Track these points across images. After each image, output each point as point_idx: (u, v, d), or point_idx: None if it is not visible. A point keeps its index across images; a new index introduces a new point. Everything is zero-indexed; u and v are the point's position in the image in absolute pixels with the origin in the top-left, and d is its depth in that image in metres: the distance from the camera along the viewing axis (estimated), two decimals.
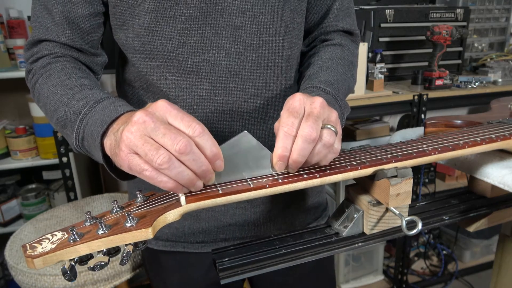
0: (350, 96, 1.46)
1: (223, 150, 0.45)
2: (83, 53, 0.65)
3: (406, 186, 0.53)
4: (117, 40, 0.66)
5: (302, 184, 0.49)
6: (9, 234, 1.23)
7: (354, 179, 0.57)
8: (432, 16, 1.79)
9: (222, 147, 0.46)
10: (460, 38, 1.68)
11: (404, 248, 1.86)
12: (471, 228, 0.70)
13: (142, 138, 0.42)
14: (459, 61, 1.93)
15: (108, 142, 0.49)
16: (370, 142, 1.80)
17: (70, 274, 0.41)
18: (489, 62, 1.97)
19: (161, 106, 0.44)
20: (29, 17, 1.66)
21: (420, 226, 0.52)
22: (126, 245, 0.43)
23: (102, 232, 0.41)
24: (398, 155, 0.55)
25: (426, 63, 1.74)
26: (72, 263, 0.41)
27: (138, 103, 0.70)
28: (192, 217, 0.73)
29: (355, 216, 0.57)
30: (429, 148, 0.57)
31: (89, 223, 0.43)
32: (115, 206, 0.46)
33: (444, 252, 2.18)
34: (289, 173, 0.50)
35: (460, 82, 1.75)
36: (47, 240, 0.42)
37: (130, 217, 0.43)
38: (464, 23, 1.86)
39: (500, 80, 1.82)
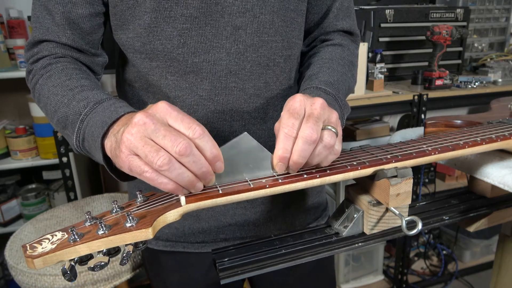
0: (350, 96, 1.46)
1: (223, 152, 0.45)
2: (83, 53, 0.65)
3: (406, 186, 0.53)
4: (117, 40, 0.66)
5: (302, 184, 0.49)
6: (9, 234, 1.23)
7: (354, 179, 0.57)
8: (432, 16, 1.79)
9: (222, 148, 0.46)
10: (460, 38, 1.68)
11: (404, 248, 1.86)
12: (471, 228, 0.70)
13: (143, 140, 0.42)
14: (459, 61, 1.93)
15: (108, 143, 0.49)
16: (370, 142, 1.80)
17: (70, 274, 0.41)
18: (489, 62, 1.97)
19: (162, 108, 0.44)
20: (29, 17, 1.66)
21: (420, 226, 0.52)
22: (126, 245, 0.43)
23: (102, 232, 0.42)
24: (398, 155, 0.55)
25: (426, 63, 1.74)
26: (72, 263, 0.41)
27: (138, 103, 0.70)
28: (192, 217, 0.73)
29: (355, 216, 0.57)
30: (429, 148, 0.57)
31: (89, 223, 0.43)
32: (115, 206, 0.46)
33: (444, 252, 2.18)
34: (289, 173, 0.50)
35: (460, 82, 1.75)
36: (47, 240, 0.42)
37: (130, 217, 0.43)
38: (464, 23, 1.86)
39: (500, 80, 1.82)
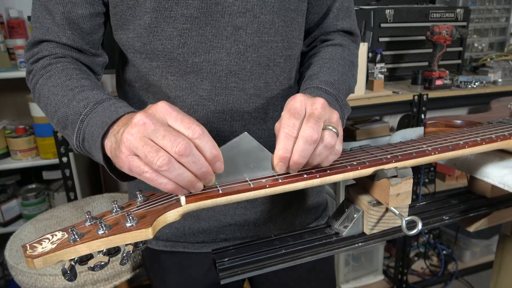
0: (350, 96, 1.46)
1: (223, 152, 0.45)
2: (83, 53, 0.65)
3: (406, 186, 0.53)
4: (118, 40, 0.66)
5: (302, 184, 0.49)
6: (9, 234, 1.23)
7: (354, 179, 0.57)
8: (432, 16, 1.79)
9: (222, 148, 0.46)
10: (460, 38, 1.68)
11: (404, 248, 1.86)
12: (471, 228, 0.70)
13: (142, 140, 0.42)
14: (459, 61, 1.93)
15: (108, 144, 0.49)
16: (370, 142, 1.80)
17: (70, 274, 0.41)
18: (489, 62, 1.97)
19: (161, 108, 0.44)
20: (29, 17, 1.66)
21: (420, 226, 0.52)
22: (126, 245, 0.43)
23: (102, 232, 0.42)
24: (398, 155, 0.55)
25: (426, 63, 1.74)
26: (72, 263, 0.41)
27: (139, 103, 0.70)
28: (192, 217, 0.73)
29: (355, 216, 0.57)
30: (429, 148, 0.57)
31: (89, 223, 0.44)
32: (115, 206, 0.46)
33: (444, 252, 2.18)
34: (289, 173, 0.50)
35: (460, 82, 1.75)
36: (47, 240, 0.42)
37: (130, 217, 0.43)
38: (464, 23, 1.86)
39: (500, 80, 1.82)
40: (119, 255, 0.43)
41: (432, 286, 2.09)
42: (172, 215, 0.45)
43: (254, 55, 0.64)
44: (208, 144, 0.43)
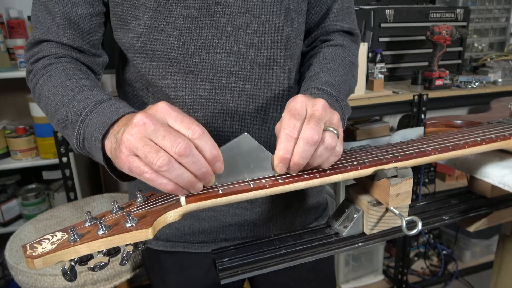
0: (350, 96, 1.45)
1: (223, 152, 0.45)
2: (83, 53, 0.65)
3: (406, 186, 0.53)
4: (118, 40, 0.66)
5: (302, 184, 0.49)
6: (9, 234, 1.23)
7: (354, 179, 0.57)
8: (432, 16, 1.79)
9: (222, 149, 0.46)
10: (460, 38, 1.69)
11: (404, 248, 1.86)
12: (471, 228, 0.70)
13: (142, 140, 0.42)
14: (459, 61, 1.93)
15: (108, 144, 0.49)
16: (370, 142, 1.80)
17: (70, 274, 0.41)
18: (489, 62, 1.97)
19: (161, 108, 0.44)
20: (29, 17, 1.66)
21: (420, 226, 0.52)
22: (126, 245, 0.43)
23: (102, 232, 0.42)
24: (398, 155, 0.55)
25: (426, 63, 1.74)
26: (72, 263, 0.41)
27: (139, 103, 0.70)
28: (192, 217, 0.73)
29: (355, 216, 0.57)
30: (429, 148, 0.57)
31: (89, 224, 0.44)
32: (115, 207, 0.46)
33: (444, 252, 2.18)
34: (289, 173, 0.50)
35: (460, 82, 1.75)
36: (47, 241, 0.42)
37: (130, 218, 0.43)
38: (464, 23, 1.86)
39: (500, 80, 1.82)
40: (119, 255, 0.43)
41: (432, 286, 2.09)
42: (172, 215, 0.45)
43: (254, 55, 0.64)
44: (208, 144, 0.43)
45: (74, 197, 1.46)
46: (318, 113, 0.47)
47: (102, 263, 0.41)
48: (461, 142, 0.59)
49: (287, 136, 0.47)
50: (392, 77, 1.82)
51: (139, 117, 0.43)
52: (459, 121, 0.74)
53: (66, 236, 0.42)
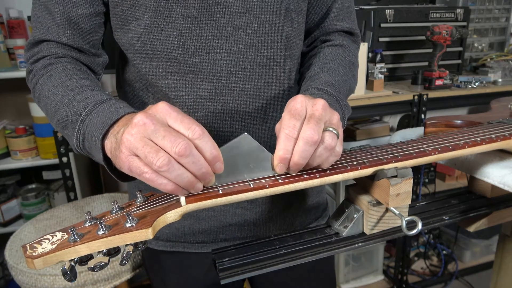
0: (350, 96, 1.45)
1: (223, 152, 0.45)
2: (84, 53, 0.65)
3: (406, 186, 0.53)
4: (118, 40, 0.66)
5: (302, 184, 0.49)
6: (9, 234, 1.23)
7: (354, 179, 0.57)
8: (432, 16, 1.79)
9: (222, 149, 0.46)
10: (460, 38, 1.69)
11: (404, 248, 1.86)
12: (471, 228, 0.70)
13: (142, 141, 0.42)
14: (459, 61, 1.93)
15: (108, 144, 0.49)
16: (370, 142, 1.80)
17: (70, 274, 0.41)
18: (489, 62, 1.97)
19: (162, 108, 0.44)
20: (29, 17, 1.66)
21: (420, 226, 0.52)
22: (126, 245, 0.43)
23: (102, 232, 0.42)
24: (398, 155, 0.55)
25: (426, 63, 1.74)
26: (72, 263, 0.41)
27: (139, 103, 0.70)
28: (192, 217, 0.73)
29: (355, 216, 0.57)
30: (429, 148, 0.57)
31: (89, 224, 0.43)
32: (115, 207, 0.46)
33: (444, 252, 2.18)
34: (289, 173, 0.50)
35: (460, 82, 1.75)
36: (47, 241, 0.42)
37: (130, 218, 0.43)
38: (464, 23, 1.86)
39: (500, 80, 1.82)
40: (119, 256, 0.43)
41: (432, 286, 2.09)
42: (172, 216, 0.45)
43: (254, 55, 0.64)
44: (208, 144, 0.43)
45: (74, 197, 1.47)
46: (318, 113, 0.47)
47: (102, 263, 0.41)
48: (461, 142, 0.59)
49: (287, 136, 0.47)
50: (392, 77, 1.82)
51: (139, 117, 0.43)
52: (459, 121, 0.74)
53: (66, 236, 0.42)
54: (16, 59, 1.59)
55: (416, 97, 1.59)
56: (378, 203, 0.55)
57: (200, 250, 0.75)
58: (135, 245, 0.43)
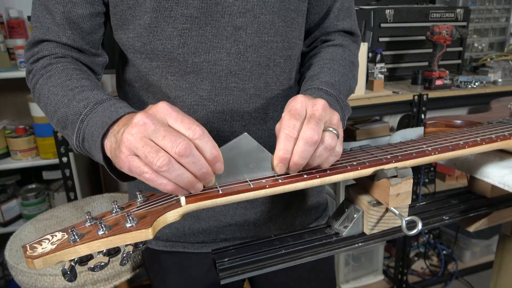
0: (350, 96, 1.46)
1: (223, 152, 0.45)
2: (83, 53, 0.65)
3: (406, 186, 0.53)
4: (118, 40, 0.66)
5: (302, 185, 0.49)
6: (9, 234, 1.23)
7: (354, 179, 0.57)
8: (432, 16, 1.79)
9: (222, 149, 0.46)
10: (460, 38, 1.69)
11: (404, 248, 1.86)
12: (471, 228, 0.70)
13: (142, 140, 0.42)
14: (459, 61, 1.93)
15: (108, 144, 0.49)
16: (370, 142, 1.80)
17: (70, 274, 0.41)
18: (489, 62, 1.97)
19: (162, 108, 0.44)
20: (29, 17, 1.66)
21: (420, 226, 0.52)
22: (126, 245, 0.43)
23: (102, 232, 0.42)
24: (398, 155, 0.55)
25: (426, 63, 1.74)
26: (72, 263, 0.41)
27: (139, 103, 0.70)
28: (192, 217, 0.73)
29: (355, 216, 0.57)
30: (429, 148, 0.57)
31: (89, 224, 0.43)
32: (115, 207, 0.46)
33: (444, 252, 2.18)
34: (289, 174, 0.50)
35: (460, 82, 1.75)
36: (47, 241, 0.42)
37: (130, 218, 0.43)
38: (464, 23, 1.86)
39: (500, 80, 1.82)
40: (119, 256, 0.43)
41: (432, 286, 2.09)
42: (172, 216, 0.45)
43: (254, 55, 0.64)
44: (208, 144, 0.43)
45: (74, 197, 1.47)
46: (318, 113, 0.47)
47: (102, 263, 0.41)
48: (461, 142, 0.59)
49: (287, 136, 0.47)
50: (392, 77, 1.82)
51: (139, 117, 0.43)
52: (459, 121, 0.74)
53: (66, 236, 0.42)
54: (16, 59, 1.59)
55: (416, 97, 1.59)
56: (378, 203, 0.55)
57: (200, 250, 0.75)
58: (135, 245, 0.43)
